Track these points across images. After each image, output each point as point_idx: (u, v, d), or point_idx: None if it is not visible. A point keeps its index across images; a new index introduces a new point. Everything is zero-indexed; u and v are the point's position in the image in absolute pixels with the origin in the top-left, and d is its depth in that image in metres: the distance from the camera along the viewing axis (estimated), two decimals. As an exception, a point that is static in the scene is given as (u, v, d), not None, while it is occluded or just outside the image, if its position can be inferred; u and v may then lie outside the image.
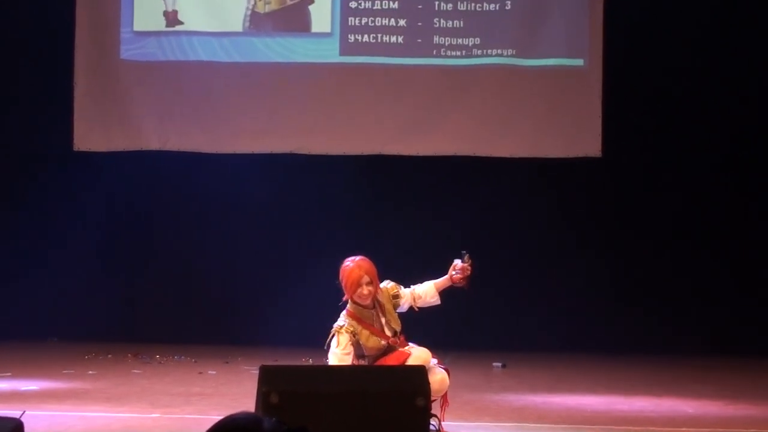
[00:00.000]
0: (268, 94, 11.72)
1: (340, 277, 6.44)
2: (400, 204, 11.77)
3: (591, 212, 11.72)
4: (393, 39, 11.61)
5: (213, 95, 11.72)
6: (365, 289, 6.35)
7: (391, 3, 11.60)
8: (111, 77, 11.78)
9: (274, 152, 11.68)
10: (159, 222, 12.05)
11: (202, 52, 11.73)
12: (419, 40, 11.58)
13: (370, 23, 11.61)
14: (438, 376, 6.26)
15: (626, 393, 8.78)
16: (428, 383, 5.68)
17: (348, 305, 6.46)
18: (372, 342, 6.40)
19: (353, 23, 11.62)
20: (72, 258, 11.80)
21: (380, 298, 6.49)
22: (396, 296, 6.53)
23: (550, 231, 11.64)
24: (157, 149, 11.76)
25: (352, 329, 6.37)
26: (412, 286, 6.61)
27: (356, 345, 6.39)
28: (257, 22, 11.77)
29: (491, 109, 11.60)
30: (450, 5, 11.55)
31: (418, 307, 6.61)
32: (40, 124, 12.01)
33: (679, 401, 8.40)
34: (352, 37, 11.64)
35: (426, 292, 6.57)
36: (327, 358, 6.45)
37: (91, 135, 11.81)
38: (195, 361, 10.38)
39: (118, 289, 11.98)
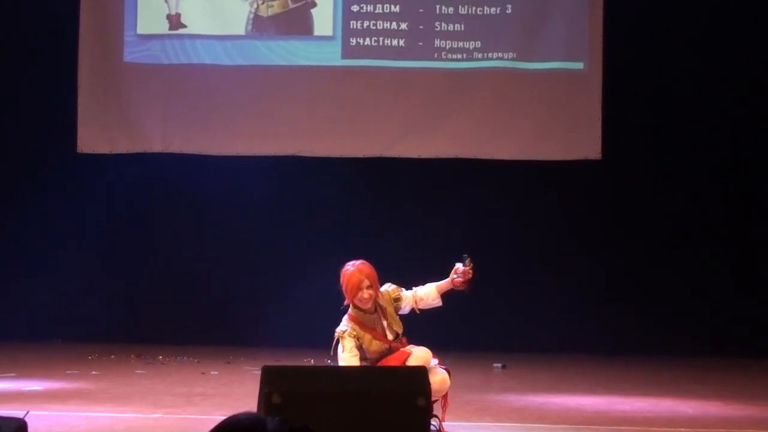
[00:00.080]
0: (271, 97, 11.74)
1: (341, 282, 6.46)
2: (400, 206, 11.80)
3: (590, 214, 11.74)
4: (394, 42, 11.65)
5: (216, 98, 11.76)
6: (366, 293, 6.38)
7: (392, 6, 11.63)
8: (115, 80, 11.82)
9: (276, 155, 11.71)
10: (162, 223, 12.06)
11: (205, 55, 11.77)
12: (420, 44, 11.61)
13: (371, 26, 11.65)
14: (438, 377, 6.28)
15: (626, 393, 8.79)
16: (429, 383, 5.67)
17: (349, 309, 6.48)
18: (374, 346, 6.42)
19: (355, 26, 11.66)
20: (75, 259, 11.84)
21: (381, 301, 6.51)
22: (397, 299, 6.54)
23: (549, 232, 11.67)
24: (161, 151, 11.80)
25: (355, 333, 6.40)
26: (414, 288, 6.62)
27: (359, 348, 6.42)
28: (260, 26, 11.81)
29: (492, 112, 11.63)
30: (451, 9, 11.59)
31: (419, 309, 6.63)
32: (42, 125, 12.04)
33: (678, 401, 8.40)
34: (353, 41, 11.68)
35: (428, 294, 6.59)
36: (334, 363, 6.50)
37: (94, 137, 11.84)
38: (197, 362, 10.40)
39: (121, 290, 12.00)
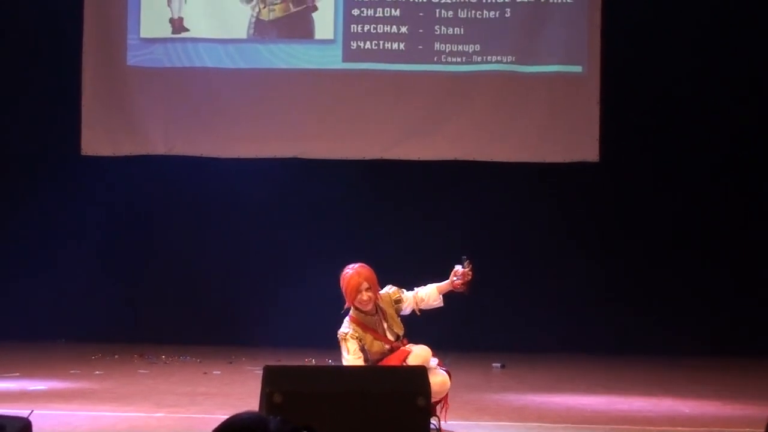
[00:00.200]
0: (272, 100, 11.76)
1: (341, 285, 6.51)
2: (401, 207, 11.80)
3: (590, 215, 11.75)
4: (395, 46, 11.67)
5: (218, 101, 11.77)
6: (365, 295, 6.43)
7: (392, 10, 11.65)
8: (118, 83, 11.84)
9: (277, 157, 11.72)
10: (164, 225, 12.06)
11: (207, 59, 11.78)
12: (420, 47, 11.63)
13: (372, 30, 11.66)
14: (439, 378, 6.32)
15: (625, 393, 8.80)
16: (429, 383, 5.72)
17: (351, 311, 6.53)
18: (376, 347, 6.48)
19: (356, 30, 11.68)
20: (78, 260, 11.85)
21: (382, 303, 6.56)
22: (398, 301, 6.59)
23: (549, 233, 11.68)
24: (164, 154, 11.82)
25: (357, 335, 6.45)
26: (415, 288, 6.67)
27: (362, 350, 6.47)
28: (262, 29, 11.83)
29: (491, 114, 11.65)
30: (450, 12, 11.60)
31: (420, 310, 6.68)
32: (44, 127, 12.05)
33: (677, 401, 8.42)
34: (354, 44, 11.70)
35: (429, 295, 6.64)
36: (331, 360, 6.56)
37: (98, 140, 11.86)
38: (200, 362, 10.41)
39: (124, 291, 12.00)
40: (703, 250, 11.65)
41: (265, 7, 11.83)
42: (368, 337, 6.48)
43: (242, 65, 11.78)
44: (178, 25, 11.85)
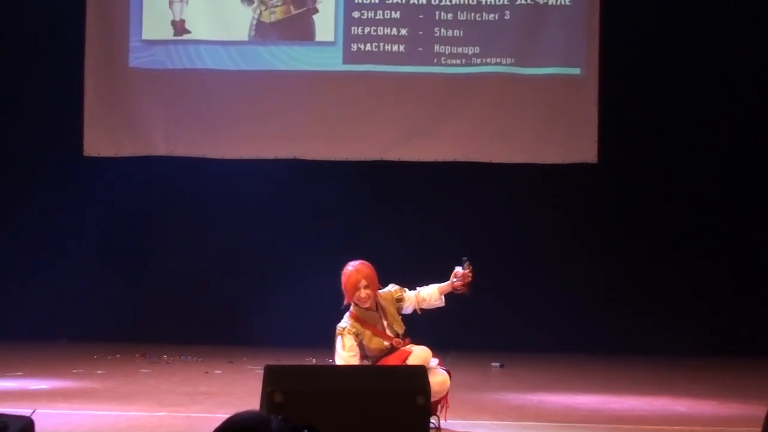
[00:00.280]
0: (273, 101, 11.79)
1: (341, 281, 6.57)
2: (400, 208, 11.84)
3: (588, 215, 11.78)
4: (395, 48, 11.71)
5: (219, 102, 11.81)
6: (363, 293, 6.48)
7: (392, 13, 11.69)
8: (120, 85, 11.87)
9: (278, 158, 11.76)
10: (165, 225, 12.09)
11: (209, 60, 11.82)
12: (420, 49, 11.67)
13: (372, 32, 11.70)
14: (438, 378, 6.35)
15: (622, 392, 8.82)
16: (428, 383, 5.75)
17: (351, 307, 6.57)
18: (375, 343, 6.51)
19: (356, 32, 11.72)
20: (79, 260, 11.88)
21: (382, 301, 6.60)
22: (400, 299, 6.63)
23: (547, 234, 11.71)
24: (165, 155, 11.84)
25: (354, 330, 6.48)
26: (417, 288, 6.72)
27: (360, 346, 6.51)
28: (263, 32, 11.86)
29: (490, 116, 11.68)
30: (450, 15, 11.64)
31: (421, 310, 6.73)
32: (45, 128, 12.07)
33: (673, 400, 8.43)
34: (354, 46, 11.74)
35: (430, 295, 6.68)
36: (331, 359, 6.60)
37: (100, 141, 11.89)
38: (201, 361, 10.44)
39: (125, 291, 12.03)
40: (702, 251, 11.67)
41: (266, 9, 11.86)
42: (367, 334, 6.52)
43: (243, 67, 11.82)
44: (179, 27, 11.88)
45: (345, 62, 11.77)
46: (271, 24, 11.89)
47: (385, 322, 6.59)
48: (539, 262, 11.76)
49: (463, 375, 8.73)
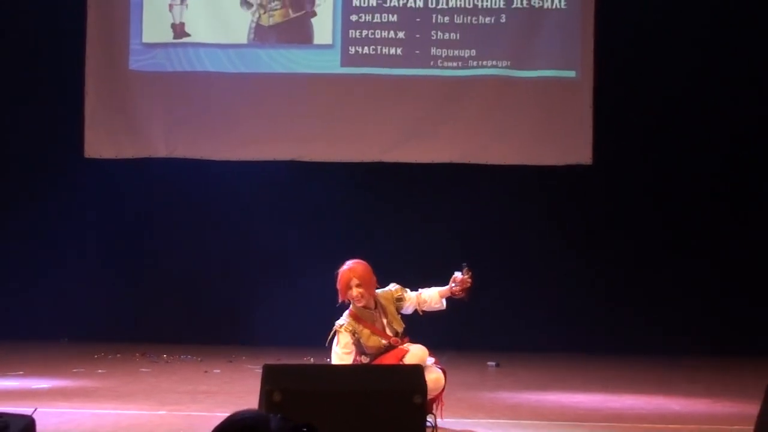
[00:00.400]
0: (272, 104, 11.81)
1: (337, 280, 6.66)
2: (398, 209, 11.86)
3: (584, 215, 11.81)
4: (392, 51, 11.74)
5: (219, 104, 11.82)
6: (355, 291, 6.54)
7: (390, 16, 11.72)
8: (120, 87, 11.90)
9: (277, 159, 11.79)
10: (165, 226, 12.10)
11: (208, 63, 11.84)
12: (417, 52, 11.70)
13: (370, 35, 11.74)
14: (433, 375, 6.39)
15: (618, 391, 8.85)
16: (425, 382, 5.76)
17: (351, 305, 6.64)
18: (372, 341, 6.57)
19: (354, 35, 11.75)
20: (81, 261, 11.91)
21: (382, 300, 6.65)
22: (400, 299, 6.68)
23: (543, 235, 11.74)
24: (165, 156, 11.88)
25: (351, 328, 6.54)
26: (420, 289, 6.76)
27: (357, 344, 6.56)
28: (261, 35, 11.89)
29: (486, 118, 11.71)
30: (447, 18, 11.68)
31: (422, 311, 6.78)
32: (46, 129, 12.09)
33: (668, 399, 8.47)
34: (352, 49, 11.77)
35: (431, 298, 6.73)
36: (329, 357, 6.66)
37: (101, 143, 11.92)
38: (200, 360, 10.47)
39: (125, 291, 12.05)
40: (696, 251, 11.70)
41: (265, 13, 11.89)
42: (365, 332, 6.56)
43: (242, 69, 11.84)
44: (179, 30, 11.91)
45: (343, 65, 11.80)
46: (270, 27, 11.91)
47: (384, 321, 6.64)
48: (535, 262, 11.78)
49: (459, 374, 8.81)
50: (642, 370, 10.37)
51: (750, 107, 11.75)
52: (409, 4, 11.74)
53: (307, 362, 9.81)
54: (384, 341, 6.59)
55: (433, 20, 11.72)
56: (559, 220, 11.79)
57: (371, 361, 6.58)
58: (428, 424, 6.07)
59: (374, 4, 11.76)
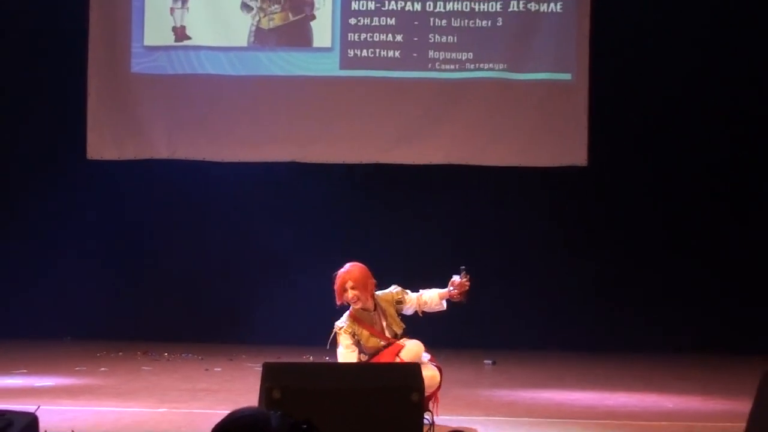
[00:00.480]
0: (271, 106, 11.85)
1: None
2: (396, 210, 11.89)
3: (579, 215, 11.85)
4: (390, 53, 11.79)
5: (219, 106, 11.86)
6: (350, 294, 6.61)
7: (388, 19, 11.77)
8: (122, 90, 11.93)
9: (276, 160, 11.82)
10: (166, 226, 12.12)
11: (209, 66, 11.88)
12: (415, 55, 11.75)
13: (368, 38, 11.79)
14: (429, 372, 6.42)
15: (612, 389, 8.89)
16: (422, 379, 5.79)
17: (351, 307, 6.70)
18: (371, 342, 6.64)
19: (352, 38, 11.80)
20: (83, 261, 11.92)
21: (382, 302, 6.71)
22: (400, 302, 6.74)
23: (539, 235, 11.78)
24: (166, 158, 11.92)
25: (351, 330, 6.62)
26: (420, 290, 6.82)
27: (356, 344, 6.64)
28: (261, 38, 11.94)
29: (483, 120, 11.76)
30: (444, 21, 11.72)
31: (422, 312, 6.85)
32: (50, 131, 12.13)
33: (662, 397, 8.51)
34: (351, 52, 11.81)
35: (431, 299, 6.80)
36: (329, 357, 6.73)
37: (103, 145, 11.96)
38: (201, 359, 10.50)
39: (127, 290, 12.08)
40: (691, 251, 11.74)
41: (264, 16, 11.92)
42: (364, 333, 6.63)
43: (242, 72, 11.88)
44: (180, 33, 11.95)
45: (342, 68, 11.85)
46: (270, 30, 11.96)
47: (384, 323, 6.69)
48: (530, 262, 11.81)
49: (456, 372, 8.86)
50: (634, 368, 10.39)
51: (749, 107, 11.78)
52: (407, 8, 11.80)
53: (307, 361, 9.83)
54: (383, 343, 6.66)
55: (431, 23, 11.76)
56: (554, 220, 11.82)
57: (369, 359, 6.64)
58: (426, 421, 6.11)
59: (373, 8, 11.82)
